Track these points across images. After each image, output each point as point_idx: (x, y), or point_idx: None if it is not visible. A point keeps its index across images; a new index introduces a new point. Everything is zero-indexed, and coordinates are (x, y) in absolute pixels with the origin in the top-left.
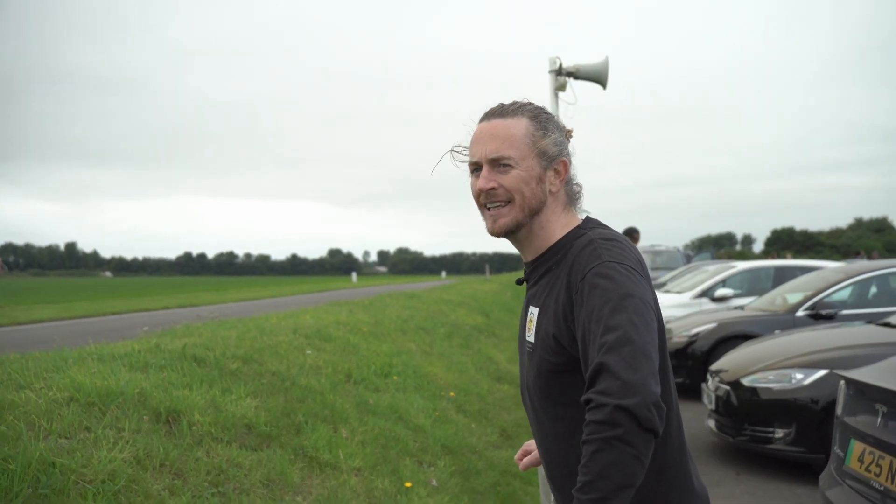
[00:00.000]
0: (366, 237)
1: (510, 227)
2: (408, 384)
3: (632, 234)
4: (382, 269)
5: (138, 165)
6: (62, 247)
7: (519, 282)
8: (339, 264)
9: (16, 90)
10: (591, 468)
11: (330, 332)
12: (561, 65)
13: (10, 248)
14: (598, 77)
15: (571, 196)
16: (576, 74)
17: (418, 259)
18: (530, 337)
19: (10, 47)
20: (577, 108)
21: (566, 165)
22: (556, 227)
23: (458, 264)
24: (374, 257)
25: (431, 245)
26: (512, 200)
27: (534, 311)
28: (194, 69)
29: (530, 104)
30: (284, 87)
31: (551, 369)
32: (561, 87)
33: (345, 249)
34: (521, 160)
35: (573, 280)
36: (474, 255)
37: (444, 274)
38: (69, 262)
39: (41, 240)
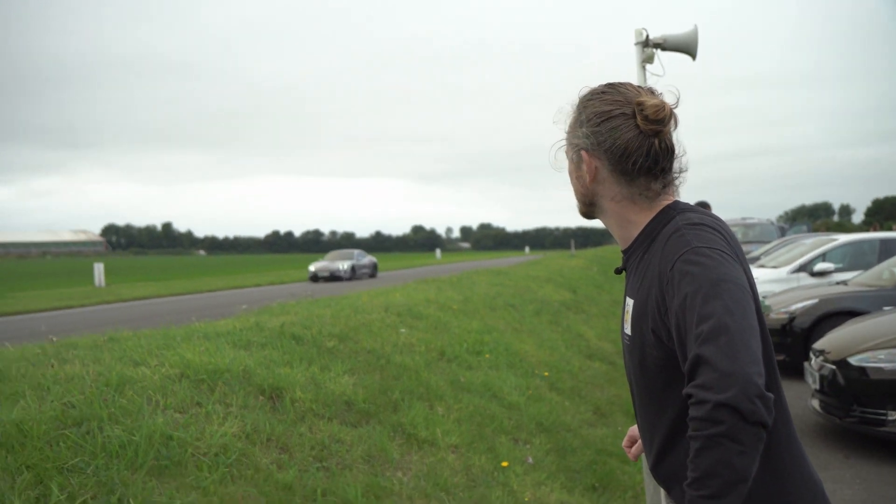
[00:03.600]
0: (448, 213)
1: (580, 214)
2: (500, 361)
3: (703, 207)
4: (465, 245)
5: (222, 147)
6: (159, 227)
7: (617, 271)
8: (422, 241)
9: (99, 78)
10: (698, 465)
11: (420, 310)
12: (647, 36)
13: (112, 229)
14: (686, 48)
15: (642, 182)
16: (663, 46)
17: (501, 235)
18: (627, 329)
19: (91, 36)
20: (665, 79)
21: (586, 157)
22: (636, 215)
23: (541, 239)
24: (456, 233)
25: (514, 220)
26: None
27: (629, 303)
28: (265, 51)
29: (588, 93)
30: (358, 64)
31: (653, 364)
32: (648, 60)
33: (427, 226)
34: (567, 152)
35: (663, 270)
36: (557, 230)
37: (527, 249)
38: (166, 241)
39: (140, 220)
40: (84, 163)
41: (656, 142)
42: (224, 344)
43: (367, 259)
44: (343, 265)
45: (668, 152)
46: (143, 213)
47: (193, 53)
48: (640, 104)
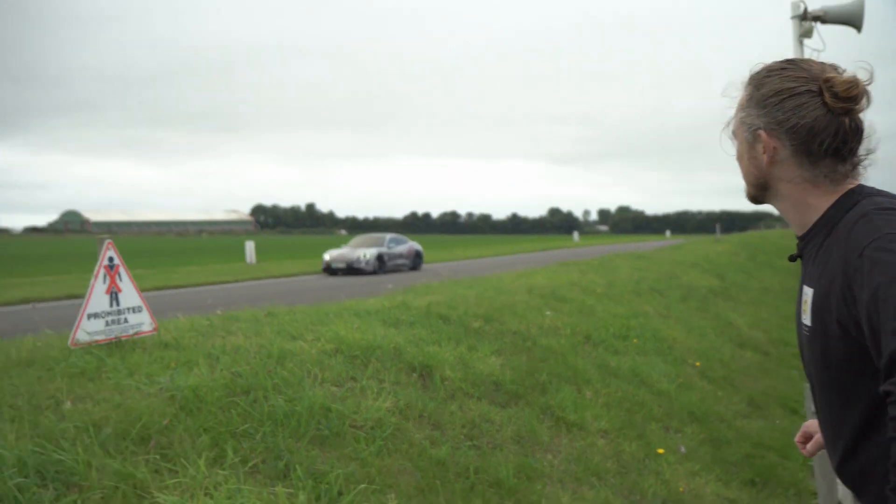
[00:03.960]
0: (585, 196)
1: (748, 198)
2: (647, 347)
3: None
4: (603, 227)
5: (364, 129)
6: (303, 207)
7: (792, 258)
8: (559, 223)
9: (251, 64)
10: None
11: (564, 293)
12: (806, 9)
13: (260, 209)
14: (851, 19)
15: (827, 164)
16: (823, 18)
17: (640, 218)
18: (806, 320)
19: (244, 24)
20: (825, 55)
21: (764, 137)
22: (817, 199)
23: (682, 223)
24: (594, 216)
25: (653, 203)
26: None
27: (808, 292)
28: (394, 34)
29: (763, 69)
30: (497, 45)
31: (837, 356)
32: (806, 34)
33: (564, 209)
34: (736, 132)
35: (849, 258)
36: (700, 213)
37: (668, 233)
38: (309, 221)
39: (285, 201)
40: (235, 146)
41: (846, 121)
42: (375, 321)
43: (405, 247)
44: (365, 254)
45: (858, 132)
46: (289, 193)
47: (337, 39)
48: (828, 80)
